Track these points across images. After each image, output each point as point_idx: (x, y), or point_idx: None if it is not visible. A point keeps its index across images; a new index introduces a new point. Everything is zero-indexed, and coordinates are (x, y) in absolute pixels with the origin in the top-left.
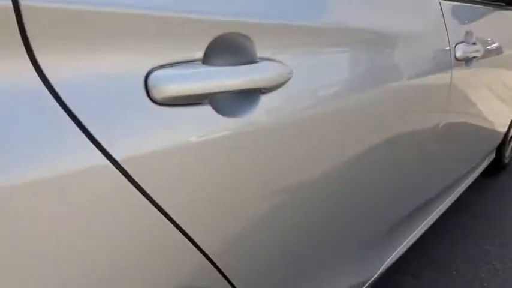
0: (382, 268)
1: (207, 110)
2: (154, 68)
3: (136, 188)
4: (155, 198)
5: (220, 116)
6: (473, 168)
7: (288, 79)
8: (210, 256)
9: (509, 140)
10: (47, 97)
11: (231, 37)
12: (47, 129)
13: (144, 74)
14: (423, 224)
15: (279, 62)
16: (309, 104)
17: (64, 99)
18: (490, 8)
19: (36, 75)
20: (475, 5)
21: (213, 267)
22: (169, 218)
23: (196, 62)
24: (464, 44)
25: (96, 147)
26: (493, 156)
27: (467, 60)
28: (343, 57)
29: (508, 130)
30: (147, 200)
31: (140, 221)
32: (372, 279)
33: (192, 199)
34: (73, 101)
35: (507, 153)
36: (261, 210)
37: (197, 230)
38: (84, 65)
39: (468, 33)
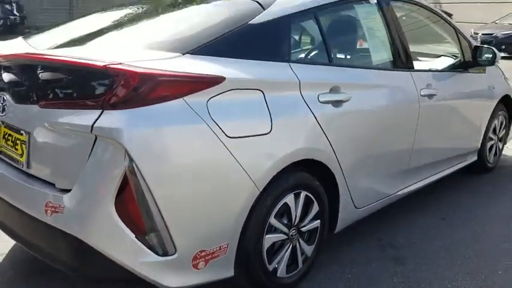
0: (402, 189)
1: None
2: None
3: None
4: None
5: None
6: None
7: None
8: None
9: (489, 148)
10: None
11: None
12: None
13: None
14: (421, 179)
15: None
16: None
17: None
18: (453, 72)
19: None
20: (443, 72)
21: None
22: None
23: None
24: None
25: None
26: (474, 158)
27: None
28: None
29: (484, 138)
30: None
31: None
32: (398, 192)
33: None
34: None
35: (490, 159)
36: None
37: None
38: None
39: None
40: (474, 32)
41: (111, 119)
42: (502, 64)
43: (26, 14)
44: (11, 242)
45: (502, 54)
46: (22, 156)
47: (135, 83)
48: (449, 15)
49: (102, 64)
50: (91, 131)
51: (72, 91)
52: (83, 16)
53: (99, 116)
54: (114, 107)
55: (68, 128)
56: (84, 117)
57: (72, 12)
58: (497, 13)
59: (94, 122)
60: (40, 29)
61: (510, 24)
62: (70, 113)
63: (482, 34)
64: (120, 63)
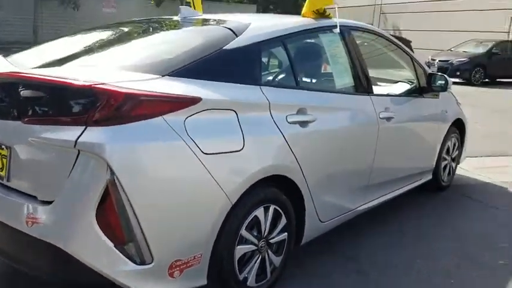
0: (363, 204)
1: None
2: None
3: None
4: None
5: None
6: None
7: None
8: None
9: (443, 167)
10: None
11: None
12: None
13: None
14: (380, 195)
15: None
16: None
17: None
18: (410, 97)
19: None
20: (400, 96)
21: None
22: None
23: None
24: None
25: None
26: (430, 177)
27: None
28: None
29: (438, 158)
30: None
31: None
32: (359, 207)
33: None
34: None
35: (444, 178)
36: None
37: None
38: None
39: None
40: (431, 59)
41: (95, 135)
42: (458, 89)
43: None
44: None
45: (457, 80)
46: (2, 170)
47: (119, 101)
48: (408, 42)
49: (87, 84)
50: (74, 146)
51: (57, 108)
52: (60, 37)
53: (83, 132)
54: (97, 123)
55: (52, 143)
56: (68, 133)
57: (37, 26)
58: (453, 41)
59: (78, 138)
60: (4, 43)
61: (464, 51)
62: (54, 128)
63: (439, 61)
64: (104, 84)
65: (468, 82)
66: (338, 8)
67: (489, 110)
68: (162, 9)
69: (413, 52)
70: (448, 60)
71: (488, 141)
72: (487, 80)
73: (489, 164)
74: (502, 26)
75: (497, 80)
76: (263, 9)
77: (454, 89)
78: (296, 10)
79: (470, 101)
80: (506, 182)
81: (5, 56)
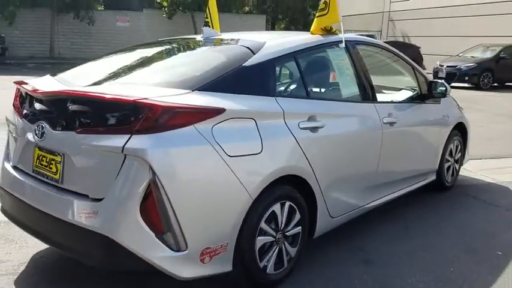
0: (371, 202)
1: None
2: None
3: None
4: None
5: None
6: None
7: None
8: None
9: (447, 168)
10: None
11: None
12: None
13: None
14: (387, 194)
15: None
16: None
17: None
18: (412, 103)
19: None
20: (402, 103)
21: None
22: None
23: None
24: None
25: None
26: (434, 177)
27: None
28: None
29: (441, 160)
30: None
31: None
32: (367, 205)
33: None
34: None
35: (448, 178)
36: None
37: None
38: None
39: (389, 114)
40: (439, 64)
41: (139, 141)
42: (466, 94)
43: (6, 45)
44: (30, 252)
45: (466, 85)
46: (56, 174)
47: (158, 113)
48: (417, 48)
49: (131, 99)
50: (122, 151)
51: (105, 120)
52: (98, 57)
53: (128, 139)
54: (140, 132)
55: (102, 149)
56: (116, 140)
57: (53, 41)
58: (461, 46)
59: (124, 144)
60: (20, 58)
61: (472, 56)
62: (104, 137)
63: (447, 66)
64: (146, 98)
65: (477, 87)
66: (347, 16)
67: (495, 114)
68: (174, 21)
69: (422, 58)
70: (456, 66)
71: (492, 144)
72: (495, 84)
73: (493, 165)
74: (510, 30)
75: (506, 84)
76: (272, 19)
77: (463, 94)
78: (304, 20)
79: (477, 105)
80: (509, 182)
81: (52, 75)
